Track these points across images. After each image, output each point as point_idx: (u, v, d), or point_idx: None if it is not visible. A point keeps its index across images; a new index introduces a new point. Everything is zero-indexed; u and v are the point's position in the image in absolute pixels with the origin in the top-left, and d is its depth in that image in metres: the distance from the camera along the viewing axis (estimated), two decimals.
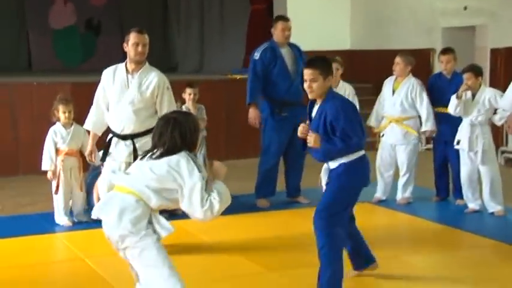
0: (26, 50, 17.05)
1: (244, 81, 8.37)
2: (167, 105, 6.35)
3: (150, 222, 4.14)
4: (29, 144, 9.84)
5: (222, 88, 10.25)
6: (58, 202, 7.54)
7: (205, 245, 7.03)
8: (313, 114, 5.40)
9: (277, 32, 8.35)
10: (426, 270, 6.31)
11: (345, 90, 8.35)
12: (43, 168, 7.36)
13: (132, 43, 6.19)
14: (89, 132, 6.77)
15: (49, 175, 7.43)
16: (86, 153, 6.74)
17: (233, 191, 9.20)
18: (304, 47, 8.58)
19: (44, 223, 7.58)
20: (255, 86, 8.28)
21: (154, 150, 4.23)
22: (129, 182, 4.25)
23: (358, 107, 8.27)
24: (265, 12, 13.62)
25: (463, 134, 7.93)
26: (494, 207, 7.87)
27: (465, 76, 7.94)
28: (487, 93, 7.84)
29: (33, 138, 9.46)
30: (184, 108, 8.54)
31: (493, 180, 7.86)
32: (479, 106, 7.81)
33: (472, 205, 8.03)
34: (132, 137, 6.24)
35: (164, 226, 4.17)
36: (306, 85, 5.21)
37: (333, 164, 5.29)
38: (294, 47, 8.50)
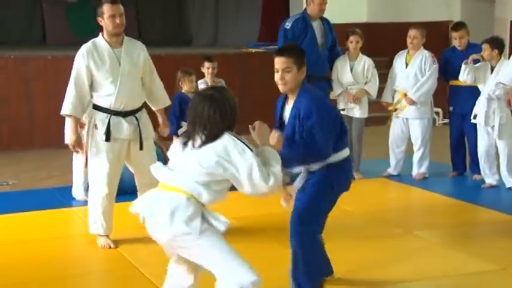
0: (40, 23, 17.07)
1: (259, 54, 8.38)
2: (156, 75, 6.34)
3: (203, 218, 3.92)
4: (44, 118, 9.90)
5: (236, 62, 10.25)
6: (78, 176, 7.52)
7: (232, 219, 7.00)
8: (285, 114, 4.94)
9: (314, 4, 8.34)
10: (439, 246, 6.34)
11: (364, 63, 8.42)
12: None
13: (109, 15, 5.87)
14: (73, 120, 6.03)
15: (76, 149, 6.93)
16: (71, 143, 6.00)
17: None
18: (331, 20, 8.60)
19: (60, 197, 7.62)
20: None
21: (195, 137, 3.90)
22: (176, 179, 3.96)
23: (377, 79, 8.40)
24: None
25: (480, 108, 7.94)
26: None
27: (482, 47, 8.01)
28: (508, 65, 7.79)
29: (48, 112, 9.50)
30: (202, 82, 8.59)
31: (510, 154, 7.89)
32: (496, 82, 7.80)
33: (490, 180, 8.06)
34: (133, 112, 6.02)
35: (220, 220, 3.97)
36: (277, 76, 4.67)
37: (313, 166, 4.77)
38: (325, 21, 8.52)
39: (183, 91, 8.02)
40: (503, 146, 7.87)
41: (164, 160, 7.74)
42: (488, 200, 7.74)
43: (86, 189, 7.38)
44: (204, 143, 3.84)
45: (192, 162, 3.89)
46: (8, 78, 10.36)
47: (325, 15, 8.48)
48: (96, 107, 5.93)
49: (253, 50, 10.93)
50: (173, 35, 16.58)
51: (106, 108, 5.88)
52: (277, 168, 3.97)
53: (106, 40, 5.91)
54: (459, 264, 5.80)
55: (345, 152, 4.81)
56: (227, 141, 3.84)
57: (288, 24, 8.34)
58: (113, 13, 5.83)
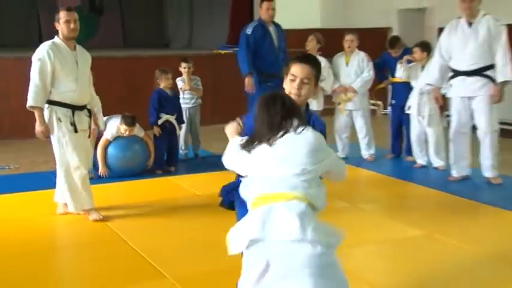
0: (37, 28, 16.69)
1: (227, 56, 8.49)
2: (91, 77, 6.27)
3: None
4: None
5: (208, 62, 10.28)
6: None
7: (197, 198, 7.07)
8: None
9: (263, 11, 8.39)
10: (378, 216, 6.46)
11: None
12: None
13: (64, 21, 5.74)
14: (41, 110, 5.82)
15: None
16: (41, 131, 5.78)
17: (221, 151, 9.47)
18: (284, 25, 8.67)
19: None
20: (249, 59, 8.27)
21: (285, 130, 3.18)
22: (287, 184, 3.10)
23: (332, 77, 8.65)
24: None
25: (413, 100, 8.13)
26: (438, 162, 8.10)
27: (414, 50, 8.25)
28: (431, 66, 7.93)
29: None
30: (180, 79, 8.68)
31: (437, 140, 8.07)
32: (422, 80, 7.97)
33: (420, 161, 8.28)
34: (85, 107, 6.02)
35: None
36: (294, 85, 3.61)
37: None
38: (278, 26, 8.56)
39: (161, 87, 8.10)
40: (432, 133, 8.05)
41: (149, 153, 7.90)
42: (419, 177, 7.89)
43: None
44: (299, 133, 3.17)
45: (295, 159, 3.14)
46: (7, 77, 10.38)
47: (284, 21, 8.57)
48: (55, 103, 5.80)
49: (223, 52, 10.96)
50: (153, 39, 16.54)
51: (68, 104, 5.82)
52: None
53: (63, 42, 5.83)
54: (395, 231, 5.92)
55: None
56: (311, 131, 3.24)
57: (249, 30, 8.37)
58: (69, 19, 5.76)
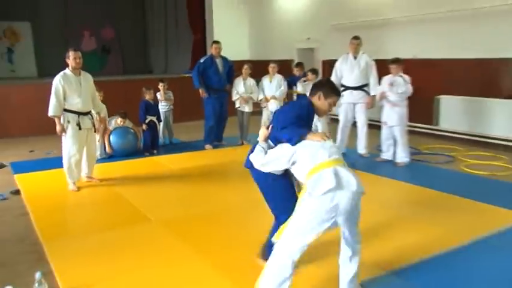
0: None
1: (189, 78, 8.44)
2: (96, 92, 6.20)
3: None
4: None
5: (178, 82, 10.26)
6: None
7: (173, 171, 7.03)
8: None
9: (213, 49, 8.35)
10: None
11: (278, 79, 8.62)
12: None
13: (73, 58, 5.69)
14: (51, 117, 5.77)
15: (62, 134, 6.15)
16: (59, 131, 5.75)
17: (185, 139, 9.46)
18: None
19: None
20: (198, 77, 8.17)
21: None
22: (339, 155, 3.11)
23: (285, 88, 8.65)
24: (202, 38, 13.63)
25: None
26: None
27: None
28: None
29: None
30: (158, 94, 8.71)
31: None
32: None
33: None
34: (89, 113, 5.95)
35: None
36: (330, 109, 3.47)
37: None
38: (224, 58, 8.46)
39: (146, 99, 8.12)
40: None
41: (136, 138, 7.92)
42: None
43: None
44: None
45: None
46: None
47: (227, 54, 8.57)
48: (68, 110, 5.75)
49: (187, 75, 10.89)
50: (141, 67, 16.39)
51: (75, 111, 5.79)
52: None
53: (71, 71, 5.77)
54: None
55: None
56: None
57: (201, 61, 8.31)
58: (75, 56, 5.70)
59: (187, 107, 10.25)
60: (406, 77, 6.96)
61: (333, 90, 3.47)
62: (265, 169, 3.30)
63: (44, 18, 14.66)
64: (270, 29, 13.73)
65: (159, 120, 8.34)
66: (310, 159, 3.04)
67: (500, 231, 4.43)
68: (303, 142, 3.14)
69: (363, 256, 3.28)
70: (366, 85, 7.44)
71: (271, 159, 3.24)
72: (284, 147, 3.19)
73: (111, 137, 7.68)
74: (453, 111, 8.79)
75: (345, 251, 3.18)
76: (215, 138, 8.62)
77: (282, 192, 3.46)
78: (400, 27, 9.72)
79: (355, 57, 7.44)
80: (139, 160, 7.59)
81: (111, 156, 7.64)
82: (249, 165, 3.45)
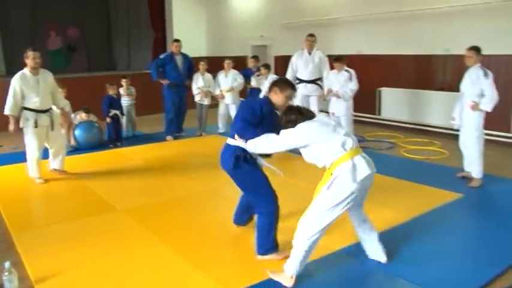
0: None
1: (151, 74, 8.31)
2: (57, 89, 5.95)
3: None
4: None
5: (140, 78, 10.08)
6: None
7: (136, 161, 6.93)
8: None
9: (173, 47, 8.23)
10: None
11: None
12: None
13: (32, 58, 5.48)
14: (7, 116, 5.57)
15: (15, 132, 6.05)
16: (12, 129, 5.55)
17: (147, 132, 9.31)
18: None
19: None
20: (156, 71, 8.08)
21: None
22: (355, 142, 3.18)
23: (241, 83, 8.63)
24: (162, 36, 13.47)
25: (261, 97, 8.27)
26: None
27: (260, 68, 8.36)
28: (272, 77, 8.04)
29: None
30: (122, 89, 8.55)
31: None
32: (267, 86, 8.08)
33: None
34: (47, 110, 5.70)
35: None
36: (286, 102, 3.54)
37: None
38: (184, 55, 8.34)
39: (110, 94, 7.95)
40: None
41: (100, 132, 7.76)
42: None
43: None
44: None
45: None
46: None
47: (184, 51, 8.49)
48: (26, 109, 5.55)
49: (148, 71, 10.71)
50: (106, 64, 16.04)
51: (33, 109, 5.58)
52: None
53: (30, 71, 5.55)
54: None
55: None
56: None
57: (161, 57, 8.25)
58: (34, 56, 5.51)
59: (149, 101, 10.11)
60: (353, 73, 7.06)
61: (287, 85, 3.55)
62: (269, 149, 3.30)
63: (11, 18, 14.23)
64: (225, 27, 13.67)
65: (122, 113, 8.20)
66: (339, 147, 3.09)
67: (435, 209, 4.59)
68: (314, 127, 3.19)
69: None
70: (319, 79, 7.50)
71: (281, 139, 3.22)
72: (292, 134, 3.19)
73: (76, 131, 7.51)
74: (394, 102, 9.02)
75: (361, 225, 3.49)
76: (175, 129, 8.53)
77: (261, 184, 3.54)
78: (346, 25, 9.85)
79: (309, 53, 7.49)
80: (104, 152, 7.44)
81: (76, 149, 7.46)
82: (227, 167, 3.55)
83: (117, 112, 8.02)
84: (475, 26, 7.63)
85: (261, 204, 3.55)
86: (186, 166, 6.60)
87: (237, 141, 3.50)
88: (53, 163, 6.09)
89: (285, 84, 3.53)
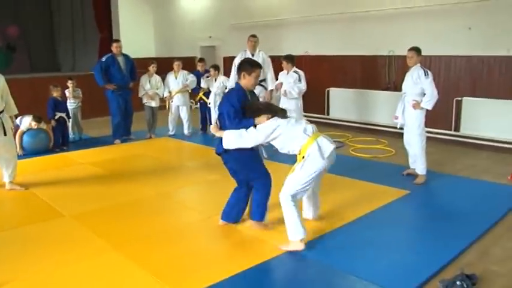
0: None
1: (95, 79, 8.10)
2: (9, 94, 5.52)
3: None
4: None
5: (85, 79, 9.81)
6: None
7: (84, 166, 6.78)
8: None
9: (113, 48, 8.05)
10: (199, 170, 6.40)
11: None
12: None
13: None
14: None
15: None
16: None
17: (95, 135, 9.09)
18: (130, 55, 8.44)
19: None
20: (101, 76, 7.87)
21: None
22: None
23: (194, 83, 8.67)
24: (108, 36, 13.16)
25: (211, 99, 8.25)
26: None
27: (210, 69, 8.36)
28: (222, 78, 8.11)
29: None
30: (67, 91, 8.33)
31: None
32: (217, 87, 8.11)
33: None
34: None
35: None
36: (256, 82, 3.96)
37: None
38: (126, 56, 8.23)
39: (54, 96, 7.71)
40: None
41: (49, 138, 7.50)
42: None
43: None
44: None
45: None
46: None
47: (130, 52, 8.34)
48: None
49: (93, 72, 10.53)
50: (49, 65, 15.56)
51: None
52: None
53: None
54: (205, 176, 5.88)
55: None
56: None
57: (103, 59, 8.04)
58: None
59: (96, 103, 9.87)
60: (302, 74, 7.17)
61: (251, 65, 3.88)
62: (245, 143, 3.68)
63: None
64: (174, 27, 13.57)
65: (68, 116, 7.98)
66: (302, 134, 3.63)
67: (383, 207, 4.75)
68: (282, 123, 3.66)
69: (268, 238, 3.36)
70: (263, 80, 7.51)
71: (253, 135, 3.64)
72: (264, 128, 3.64)
73: (24, 137, 7.27)
74: (342, 102, 9.24)
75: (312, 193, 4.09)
76: (123, 133, 8.40)
77: (254, 160, 3.95)
78: (294, 26, 10.00)
79: (252, 54, 7.50)
80: (50, 157, 7.22)
81: (21, 155, 7.17)
82: (220, 150, 3.84)
83: (63, 115, 7.79)
84: (417, 28, 7.94)
85: (258, 177, 3.96)
86: (136, 170, 6.49)
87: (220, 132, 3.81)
88: (6, 175, 5.58)
89: (249, 66, 3.85)
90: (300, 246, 3.66)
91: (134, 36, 13.19)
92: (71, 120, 8.24)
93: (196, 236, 4.11)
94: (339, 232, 4.05)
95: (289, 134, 3.64)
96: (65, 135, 7.91)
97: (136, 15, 13.72)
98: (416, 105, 5.48)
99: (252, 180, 4.01)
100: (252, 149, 3.84)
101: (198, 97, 8.84)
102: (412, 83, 5.53)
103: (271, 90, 7.48)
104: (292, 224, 3.67)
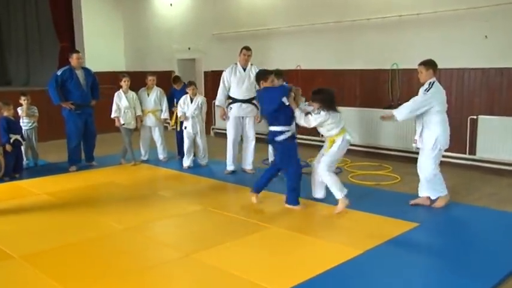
0: None
1: (50, 96, 7.97)
2: None
3: None
4: None
5: (42, 95, 9.66)
6: None
7: (38, 197, 6.65)
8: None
9: (73, 60, 7.96)
10: (173, 198, 6.33)
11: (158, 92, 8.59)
12: None
13: None
14: None
15: None
16: None
17: (53, 160, 8.95)
18: (97, 68, 8.36)
19: None
20: (57, 92, 7.79)
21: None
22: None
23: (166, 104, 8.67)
24: (70, 46, 13.08)
25: (187, 123, 8.11)
26: (205, 161, 8.23)
27: (187, 88, 8.18)
28: (199, 99, 7.99)
29: None
30: (20, 109, 8.19)
31: (204, 146, 8.14)
32: (194, 109, 7.93)
33: (189, 161, 8.35)
34: None
35: None
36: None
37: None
38: (86, 70, 8.17)
39: (5, 115, 7.60)
40: (200, 142, 8.11)
41: (6, 168, 7.33)
42: (200, 171, 7.85)
43: None
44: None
45: None
46: None
47: (99, 65, 8.28)
48: None
49: (47, 88, 10.41)
50: None
51: None
52: None
53: None
54: (183, 207, 5.88)
55: None
56: None
57: (59, 73, 7.93)
58: None
59: (55, 123, 9.73)
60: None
61: (265, 75, 5.96)
62: (309, 124, 5.61)
63: None
64: (147, 37, 13.52)
65: (23, 139, 7.85)
66: (338, 124, 5.57)
67: (384, 244, 4.63)
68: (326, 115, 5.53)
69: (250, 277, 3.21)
70: (254, 98, 7.42)
71: (312, 121, 5.55)
72: (319, 117, 5.52)
73: None
74: None
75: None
76: (86, 158, 8.34)
77: (295, 152, 5.79)
78: (284, 37, 10.03)
79: (244, 69, 7.51)
80: None
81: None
82: (272, 137, 5.71)
83: (18, 137, 7.66)
84: (424, 37, 7.98)
85: (293, 167, 5.69)
86: (102, 200, 6.38)
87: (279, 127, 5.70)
88: None
89: (263, 76, 5.95)
90: (344, 203, 5.46)
91: (101, 47, 13.15)
92: (24, 143, 8.05)
93: (170, 278, 3.99)
94: (338, 271, 3.93)
95: (332, 123, 5.56)
96: (19, 160, 7.79)
97: (103, 23, 13.62)
98: (385, 117, 5.92)
99: (286, 166, 5.71)
100: (295, 142, 5.79)
101: (179, 119, 8.66)
102: None
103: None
104: (334, 185, 5.49)
